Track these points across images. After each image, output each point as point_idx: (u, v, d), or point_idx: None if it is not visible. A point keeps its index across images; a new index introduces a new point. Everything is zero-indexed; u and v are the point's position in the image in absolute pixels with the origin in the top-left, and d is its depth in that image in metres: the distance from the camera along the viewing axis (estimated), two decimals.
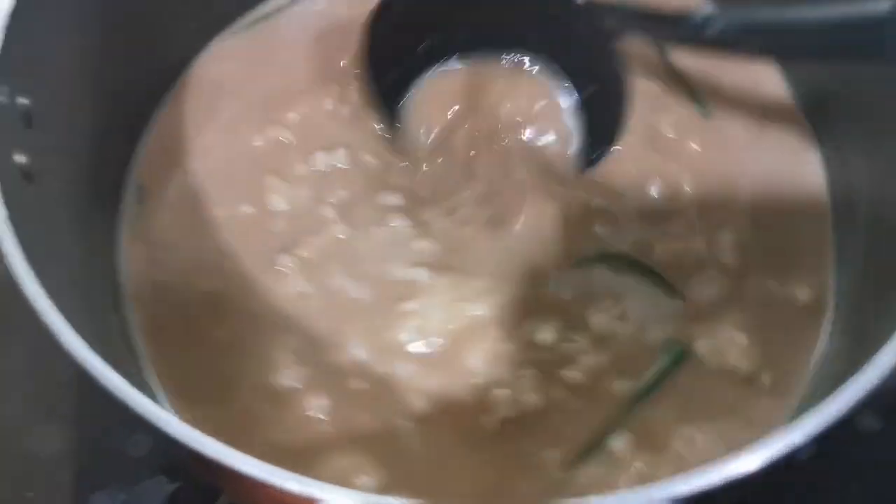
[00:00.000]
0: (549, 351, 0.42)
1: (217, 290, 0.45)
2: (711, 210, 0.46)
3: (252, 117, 0.50)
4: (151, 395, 0.38)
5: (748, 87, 0.50)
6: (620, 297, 0.44)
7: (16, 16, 0.35)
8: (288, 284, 0.45)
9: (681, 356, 0.42)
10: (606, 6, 0.46)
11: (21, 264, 0.30)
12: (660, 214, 0.46)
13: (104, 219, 0.45)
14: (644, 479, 0.39)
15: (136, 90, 0.48)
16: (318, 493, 0.26)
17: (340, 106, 0.50)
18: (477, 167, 0.48)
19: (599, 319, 0.43)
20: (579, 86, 0.49)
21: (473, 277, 0.44)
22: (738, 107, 0.50)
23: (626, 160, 0.48)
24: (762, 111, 0.50)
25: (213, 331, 0.44)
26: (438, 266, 0.45)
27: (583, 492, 0.37)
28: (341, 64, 0.51)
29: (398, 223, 0.46)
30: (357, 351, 0.42)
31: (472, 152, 0.48)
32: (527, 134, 0.49)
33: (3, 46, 0.34)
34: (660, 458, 0.40)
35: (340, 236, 0.46)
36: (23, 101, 0.36)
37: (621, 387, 0.42)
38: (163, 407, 0.33)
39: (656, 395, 0.41)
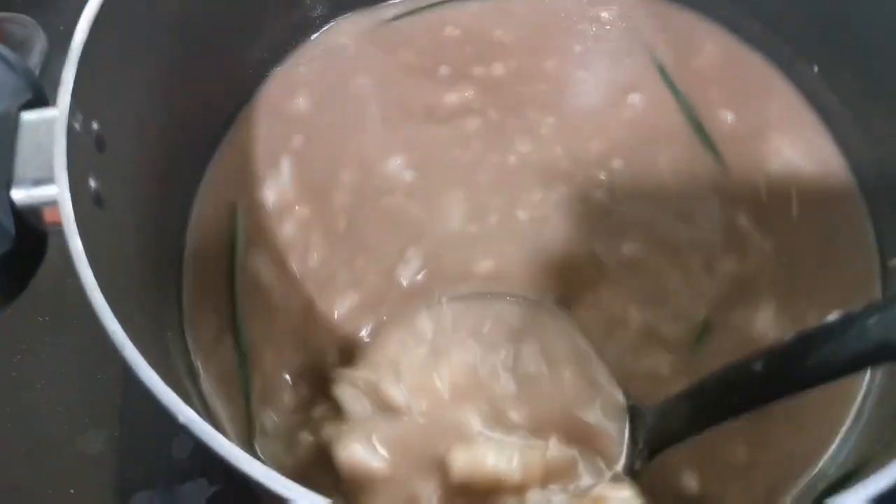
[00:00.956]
0: None
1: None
2: None
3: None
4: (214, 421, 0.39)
5: None
6: None
7: (89, 44, 0.36)
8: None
9: None
10: None
11: (98, 295, 0.30)
12: None
13: (170, 245, 0.46)
14: None
15: (204, 116, 0.48)
16: None
17: None
18: None
19: None
20: None
21: None
22: None
23: None
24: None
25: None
26: None
27: None
28: None
29: None
30: None
31: None
32: None
33: (77, 74, 0.35)
34: None
35: None
36: (95, 126, 0.36)
37: None
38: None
39: None
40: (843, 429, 0.42)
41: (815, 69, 0.50)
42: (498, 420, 0.40)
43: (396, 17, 0.55)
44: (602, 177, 0.48)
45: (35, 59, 0.64)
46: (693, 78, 0.52)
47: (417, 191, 0.49)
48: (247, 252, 0.47)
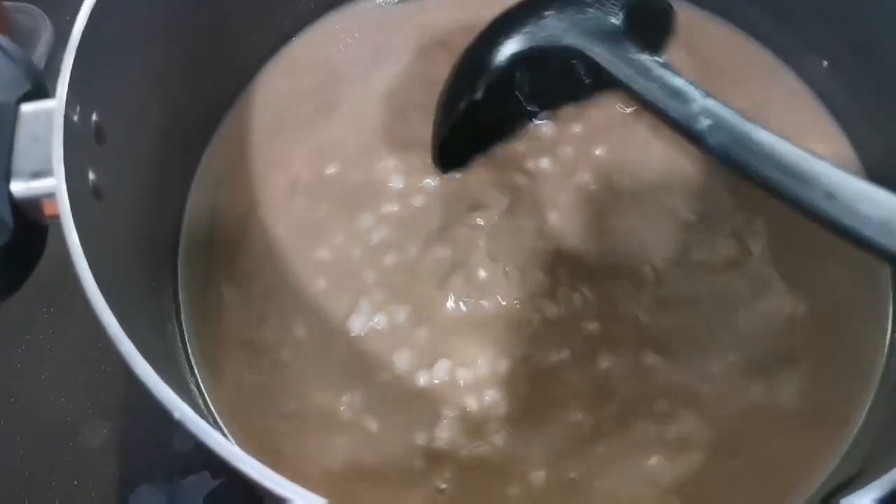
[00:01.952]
0: None
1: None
2: None
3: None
4: (212, 418, 0.39)
5: None
6: None
7: (88, 34, 0.35)
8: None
9: None
10: None
11: (94, 290, 0.30)
12: None
13: (169, 235, 0.46)
14: None
15: (203, 103, 0.48)
16: None
17: None
18: None
19: None
20: None
21: None
22: None
23: None
24: None
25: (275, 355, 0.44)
26: None
27: None
28: None
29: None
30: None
31: None
32: None
33: (76, 65, 0.34)
34: None
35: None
36: (94, 117, 0.36)
37: None
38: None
39: None
40: (856, 428, 0.42)
41: (825, 64, 0.49)
42: None
43: (389, 3, 0.55)
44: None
45: (41, 51, 0.64)
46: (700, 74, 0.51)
47: None
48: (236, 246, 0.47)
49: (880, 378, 0.43)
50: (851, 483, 0.37)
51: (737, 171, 0.36)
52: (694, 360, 0.43)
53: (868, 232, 0.32)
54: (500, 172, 0.48)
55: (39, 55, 0.63)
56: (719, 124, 0.37)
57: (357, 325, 0.44)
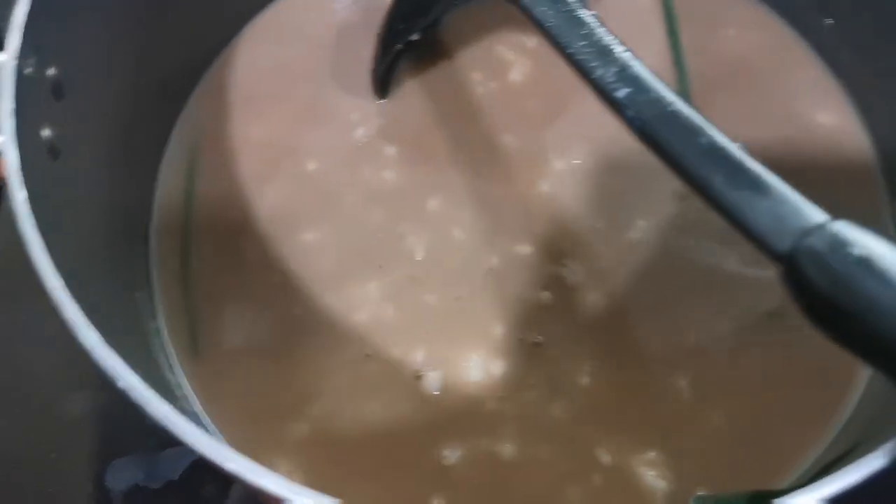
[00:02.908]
0: None
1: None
2: None
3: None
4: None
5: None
6: None
7: None
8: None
9: None
10: None
11: (42, 256, 0.29)
12: None
13: (140, 201, 0.45)
14: None
15: (175, 60, 0.47)
16: None
17: None
18: None
19: None
20: None
21: None
22: None
23: None
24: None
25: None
26: None
27: None
28: None
29: None
30: None
31: None
32: None
33: (29, 14, 0.33)
34: None
35: None
36: (51, 71, 0.34)
37: None
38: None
39: None
40: (856, 396, 0.41)
41: (828, 22, 0.47)
42: None
43: None
44: None
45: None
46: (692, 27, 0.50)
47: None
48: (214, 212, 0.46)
49: None
50: (845, 458, 0.35)
51: (651, 149, 0.33)
52: (681, 323, 0.42)
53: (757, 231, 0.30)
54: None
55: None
56: (639, 95, 0.33)
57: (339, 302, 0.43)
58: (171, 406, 0.28)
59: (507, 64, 0.50)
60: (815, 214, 0.29)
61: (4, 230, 0.48)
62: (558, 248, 0.44)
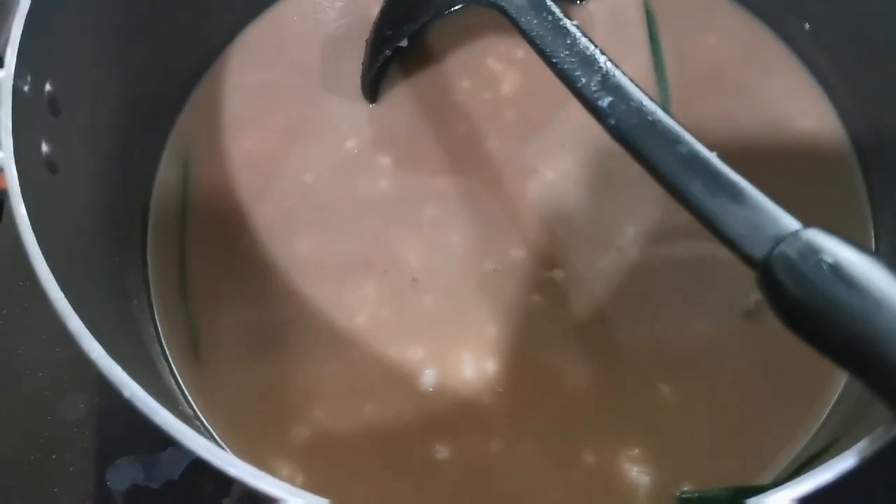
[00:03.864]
0: None
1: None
2: None
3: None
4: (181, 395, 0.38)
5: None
6: None
7: (36, 2, 0.34)
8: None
9: None
10: None
11: (41, 263, 0.30)
12: None
13: (135, 210, 0.45)
14: None
15: (166, 74, 0.47)
16: None
17: None
18: None
19: None
20: None
21: None
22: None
23: None
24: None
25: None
26: None
27: None
28: None
29: None
30: None
31: None
32: None
33: (24, 31, 0.34)
34: None
35: None
36: (48, 88, 0.35)
37: None
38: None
39: None
40: (827, 408, 0.41)
41: (807, 27, 0.48)
42: None
43: None
44: None
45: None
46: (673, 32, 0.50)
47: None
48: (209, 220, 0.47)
49: None
50: (825, 452, 0.36)
51: (632, 156, 0.34)
52: (666, 324, 0.43)
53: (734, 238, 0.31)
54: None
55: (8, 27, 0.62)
56: (622, 104, 0.34)
57: (337, 301, 0.44)
58: (173, 413, 0.28)
59: (496, 73, 0.50)
60: (788, 222, 0.30)
61: (5, 237, 0.49)
62: (549, 253, 0.45)
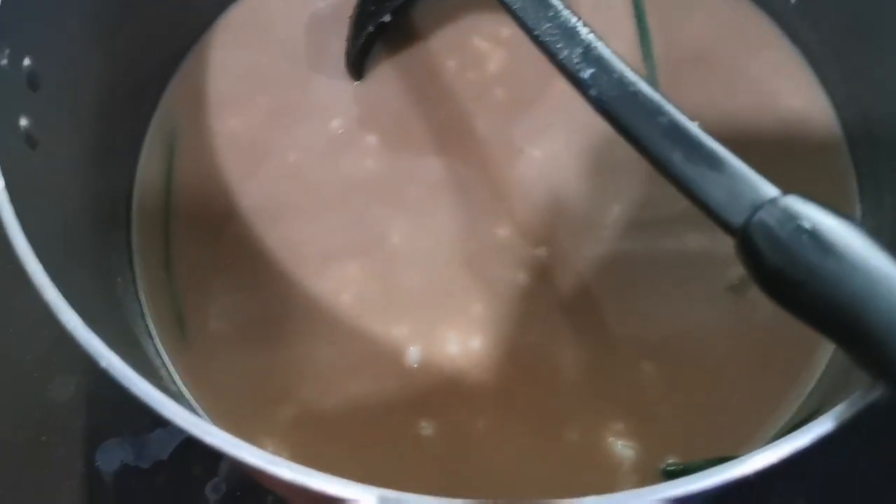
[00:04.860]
0: None
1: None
2: None
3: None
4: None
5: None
6: None
7: None
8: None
9: None
10: None
11: (21, 241, 0.30)
12: None
13: (119, 187, 0.45)
14: None
15: (152, 49, 0.47)
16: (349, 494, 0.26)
17: None
18: None
19: None
20: None
21: None
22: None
23: None
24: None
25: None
26: None
27: None
28: None
29: None
30: None
31: None
32: None
33: (3, 6, 0.33)
34: None
35: None
36: (26, 62, 0.35)
37: None
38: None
39: None
40: (811, 380, 0.41)
41: (793, 1, 0.48)
42: None
43: None
44: None
45: None
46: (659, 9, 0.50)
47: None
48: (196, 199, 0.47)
49: None
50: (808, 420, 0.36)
51: (613, 126, 0.34)
52: (650, 302, 0.43)
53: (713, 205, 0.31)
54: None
55: None
56: (603, 76, 0.34)
57: (323, 280, 0.44)
58: (153, 385, 0.28)
59: (482, 52, 0.50)
60: (767, 189, 0.30)
61: None
62: (535, 232, 0.45)
